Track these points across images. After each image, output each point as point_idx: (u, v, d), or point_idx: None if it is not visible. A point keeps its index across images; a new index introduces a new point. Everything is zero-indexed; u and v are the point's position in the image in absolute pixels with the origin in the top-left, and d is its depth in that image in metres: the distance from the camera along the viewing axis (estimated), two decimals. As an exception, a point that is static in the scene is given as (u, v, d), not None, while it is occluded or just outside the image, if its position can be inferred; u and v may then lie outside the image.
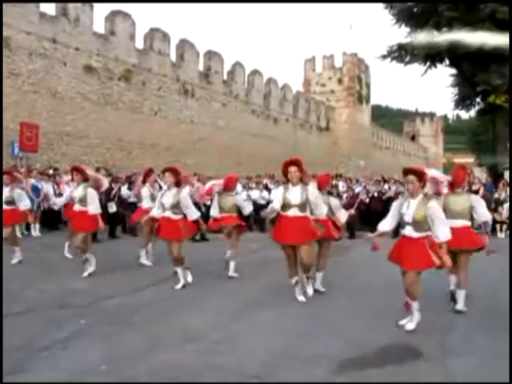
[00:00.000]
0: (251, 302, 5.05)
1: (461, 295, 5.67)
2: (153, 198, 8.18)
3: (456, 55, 19.70)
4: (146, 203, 8.66)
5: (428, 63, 21.34)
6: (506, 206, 14.07)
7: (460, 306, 5.63)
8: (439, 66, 22.07)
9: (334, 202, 6.83)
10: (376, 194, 13.50)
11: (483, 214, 5.88)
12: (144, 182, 8.99)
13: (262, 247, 10.00)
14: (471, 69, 19.71)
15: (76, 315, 5.10)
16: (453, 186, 5.93)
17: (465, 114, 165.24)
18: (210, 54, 26.35)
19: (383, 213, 14.04)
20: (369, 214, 12.84)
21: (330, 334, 4.71)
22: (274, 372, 3.78)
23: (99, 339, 4.43)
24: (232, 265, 7.30)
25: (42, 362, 3.86)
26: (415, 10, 20.62)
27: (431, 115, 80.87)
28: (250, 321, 4.72)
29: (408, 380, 3.71)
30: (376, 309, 5.70)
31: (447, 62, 21.67)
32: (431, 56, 20.59)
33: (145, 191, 8.87)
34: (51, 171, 14.34)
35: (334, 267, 7.72)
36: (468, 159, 61.83)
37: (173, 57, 23.78)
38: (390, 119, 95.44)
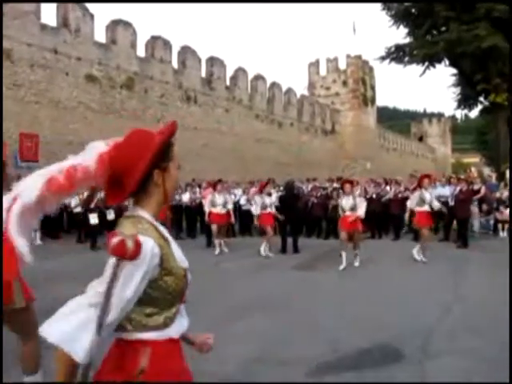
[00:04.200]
0: (230, 310, 5.09)
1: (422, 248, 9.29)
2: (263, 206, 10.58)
3: (454, 55, 19.60)
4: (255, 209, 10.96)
5: (426, 63, 21.24)
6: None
7: (415, 252, 9.29)
8: (441, 65, 22.01)
9: None
10: (374, 196, 13.45)
11: (435, 204, 9.35)
12: (261, 191, 11.05)
13: (238, 256, 10.54)
14: (470, 68, 19.59)
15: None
16: (420, 187, 9.40)
17: (473, 114, 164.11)
18: (212, 60, 26.46)
19: (381, 214, 13.99)
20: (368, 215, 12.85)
21: (309, 338, 4.72)
22: (251, 375, 3.81)
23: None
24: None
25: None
26: (412, 10, 20.54)
27: (439, 116, 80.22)
28: (228, 327, 4.76)
29: (384, 381, 3.72)
30: (357, 312, 5.70)
31: (447, 62, 21.58)
32: (429, 56, 20.49)
33: (258, 199, 10.97)
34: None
35: (318, 273, 7.69)
36: (476, 159, 61.42)
37: (175, 64, 23.92)
38: (397, 121, 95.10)
